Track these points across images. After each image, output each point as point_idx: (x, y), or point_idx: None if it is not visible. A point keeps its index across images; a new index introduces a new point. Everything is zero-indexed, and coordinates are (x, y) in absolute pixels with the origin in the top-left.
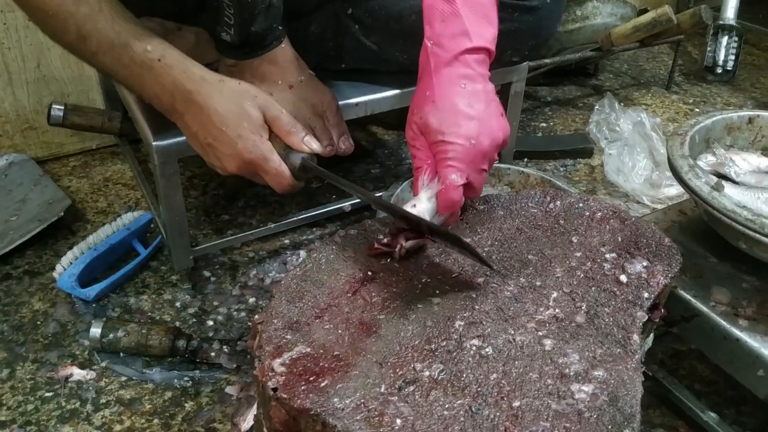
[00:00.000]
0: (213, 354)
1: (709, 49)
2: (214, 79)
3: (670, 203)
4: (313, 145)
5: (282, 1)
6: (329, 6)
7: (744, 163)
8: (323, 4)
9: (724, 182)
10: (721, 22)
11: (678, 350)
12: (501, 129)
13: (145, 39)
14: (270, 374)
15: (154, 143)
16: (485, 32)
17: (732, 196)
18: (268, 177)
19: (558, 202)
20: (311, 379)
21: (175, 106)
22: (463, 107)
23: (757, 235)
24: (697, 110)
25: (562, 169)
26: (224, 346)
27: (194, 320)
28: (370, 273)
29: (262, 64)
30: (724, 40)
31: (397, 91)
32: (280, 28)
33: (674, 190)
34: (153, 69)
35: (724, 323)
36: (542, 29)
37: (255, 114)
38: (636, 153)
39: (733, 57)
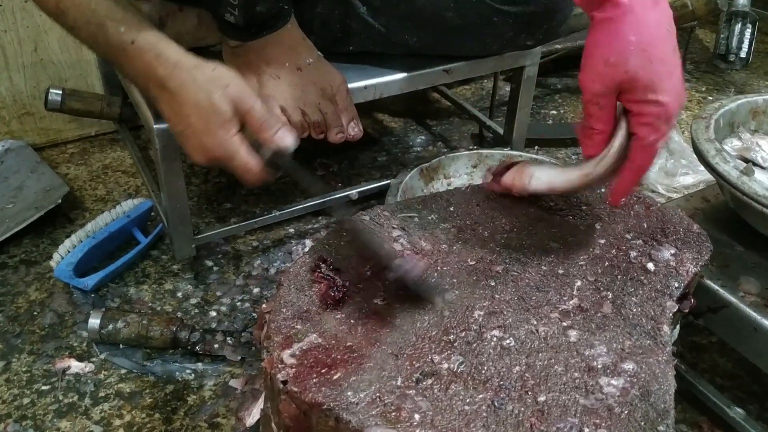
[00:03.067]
0: (216, 346)
1: (722, 36)
2: (188, 64)
3: (685, 192)
4: (287, 140)
5: None
6: None
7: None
8: None
9: (753, 167)
10: (734, 9)
11: (698, 343)
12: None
13: (120, 19)
14: (279, 366)
15: (155, 126)
16: None
17: (763, 181)
18: (236, 171)
19: None
20: (323, 371)
21: (150, 90)
22: (673, 58)
23: None
24: (710, 98)
25: (573, 157)
26: (228, 338)
27: (196, 311)
28: (382, 261)
29: (268, 46)
30: (737, 27)
31: (405, 74)
32: (286, 7)
33: (690, 178)
34: (126, 51)
35: (754, 314)
36: (557, 12)
37: (224, 107)
38: None
39: (746, 44)
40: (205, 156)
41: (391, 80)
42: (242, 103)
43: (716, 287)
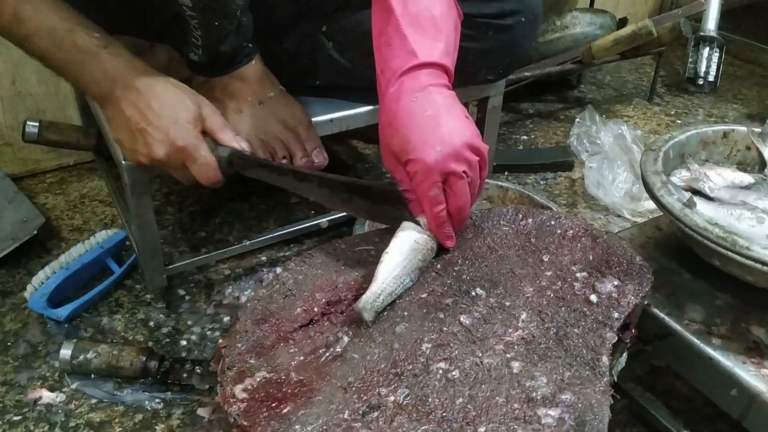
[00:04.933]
0: (185, 375)
1: (690, 60)
2: (157, 74)
3: (651, 216)
4: (242, 143)
5: (252, 20)
6: (304, 23)
7: (718, 178)
8: (298, 21)
9: (696, 198)
10: (702, 34)
11: (655, 366)
12: (467, 127)
13: (92, 27)
14: (231, 401)
15: (124, 162)
16: (433, 49)
17: (704, 213)
18: (195, 166)
19: (530, 220)
20: (273, 405)
21: (114, 92)
22: (419, 118)
23: (729, 253)
24: (679, 122)
25: (542, 182)
26: (197, 367)
27: (168, 340)
28: (337, 295)
29: (232, 81)
30: (705, 51)
31: (371, 107)
32: (250, 45)
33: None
34: (98, 55)
35: (697, 342)
36: (516, 47)
37: (192, 106)
38: (616, 166)
39: (714, 68)
40: (169, 147)
41: (356, 113)
42: (207, 109)
43: (662, 315)
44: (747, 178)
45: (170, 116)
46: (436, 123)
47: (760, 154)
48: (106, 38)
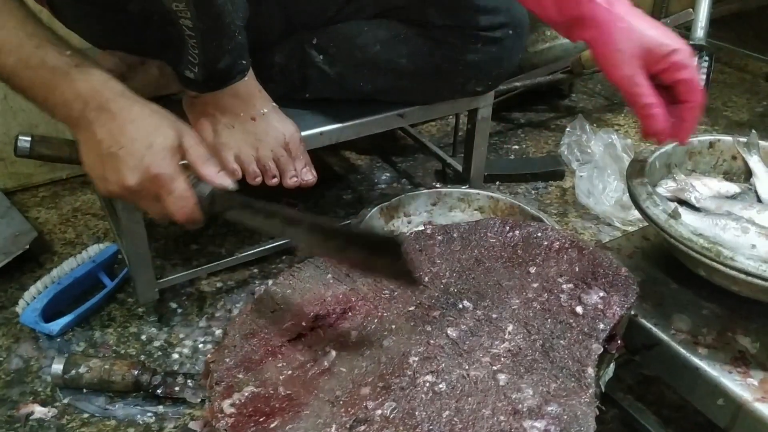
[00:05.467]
0: (177, 388)
1: None
2: (134, 96)
3: (641, 225)
4: (226, 180)
5: (246, 37)
6: (294, 37)
7: (704, 188)
8: (288, 35)
9: (682, 209)
10: (692, 42)
11: (646, 375)
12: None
13: (62, 44)
14: (219, 416)
15: None
16: None
17: (689, 224)
18: (170, 198)
19: (517, 232)
20: (261, 420)
21: (86, 114)
22: (649, 19)
23: (714, 263)
24: None
25: (533, 192)
26: (188, 380)
27: (160, 353)
28: (326, 308)
29: (224, 97)
30: (695, 60)
31: (360, 120)
32: (244, 62)
33: None
34: (69, 74)
35: (684, 352)
36: (505, 60)
37: (171, 133)
38: (607, 175)
39: (704, 76)
40: (142, 174)
41: (346, 126)
42: (189, 139)
43: (649, 325)
44: (733, 188)
45: (145, 141)
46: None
47: (746, 164)
48: (77, 56)
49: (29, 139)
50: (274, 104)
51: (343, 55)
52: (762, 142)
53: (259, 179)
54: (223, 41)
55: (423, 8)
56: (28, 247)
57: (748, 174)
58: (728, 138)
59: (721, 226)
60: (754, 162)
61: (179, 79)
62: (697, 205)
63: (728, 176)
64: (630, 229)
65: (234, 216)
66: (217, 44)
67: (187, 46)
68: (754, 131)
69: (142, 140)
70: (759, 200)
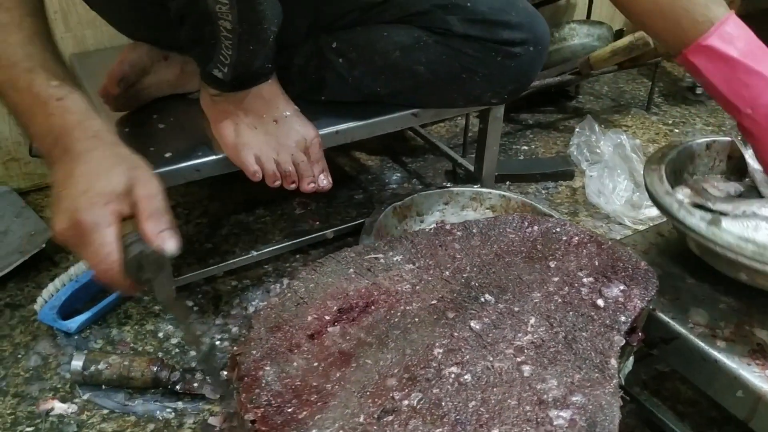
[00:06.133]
0: (196, 385)
1: None
2: (107, 139)
3: (651, 224)
4: (169, 244)
5: (275, 42)
6: (313, 39)
7: (714, 190)
8: (308, 37)
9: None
10: None
11: (660, 371)
12: None
13: (55, 74)
14: (248, 406)
15: None
16: None
17: (729, 230)
18: (87, 251)
19: (535, 227)
20: (290, 411)
21: (52, 151)
22: None
23: (765, 267)
24: (677, 131)
25: (543, 191)
26: (207, 377)
27: (177, 351)
28: (348, 302)
29: (248, 98)
30: None
31: (375, 119)
32: (271, 65)
33: (655, 211)
34: (47, 106)
35: (702, 345)
36: (522, 75)
37: (117, 180)
38: (616, 175)
39: None
40: (68, 219)
41: (361, 125)
42: (142, 189)
43: (667, 319)
44: (738, 187)
45: (85, 185)
46: None
47: (741, 161)
48: (64, 88)
49: None
50: (296, 107)
51: (363, 60)
52: None
53: (278, 182)
54: (258, 47)
55: (445, 16)
56: (44, 246)
57: (743, 172)
58: (723, 138)
59: (753, 227)
60: (749, 155)
61: (204, 77)
62: (713, 209)
63: (726, 176)
64: (640, 228)
65: (156, 286)
66: (253, 48)
67: (220, 46)
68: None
69: (82, 184)
70: (760, 195)
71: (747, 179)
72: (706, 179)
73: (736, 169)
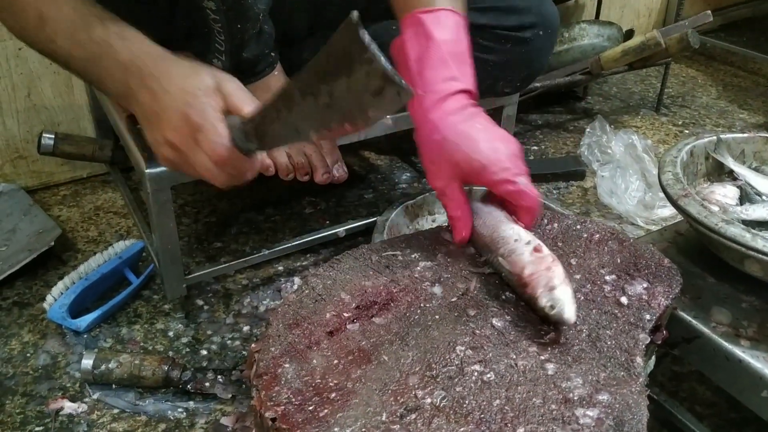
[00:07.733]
0: (207, 384)
1: None
2: (172, 57)
3: (664, 224)
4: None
5: (273, 28)
6: (321, 33)
7: (715, 195)
8: (316, 31)
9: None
10: None
11: (677, 372)
12: (512, 140)
13: (108, 19)
14: (268, 404)
15: (147, 171)
16: (469, 77)
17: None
18: (202, 137)
19: (555, 225)
20: (311, 408)
21: (130, 84)
22: (479, 134)
23: None
24: (687, 132)
25: (555, 191)
26: (218, 376)
27: (188, 350)
28: (367, 300)
29: (255, 91)
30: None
31: (390, 116)
32: (273, 54)
33: (667, 211)
34: (112, 46)
35: (726, 344)
36: (534, 61)
37: (208, 78)
38: (628, 175)
39: None
40: (178, 120)
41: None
42: (229, 84)
43: (689, 318)
44: (734, 190)
45: (180, 84)
46: (493, 138)
47: (716, 162)
48: (119, 25)
49: (53, 136)
50: None
51: None
52: (726, 136)
53: (291, 175)
54: (247, 26)
55: None
56: (53, 244)
57: (720, 171)
58: (699, 141)
59: None
60: (732, 163)
61: None
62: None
63: (710, 177)
64: (653, 228)
65: (271, 142)
66: (242, 28)
67: (213, 33)
68: (718, 136)
69: (176, 86)
70: (759, 196)
71: (739, 180)
72: (710, 186)
73: (715, 169)
